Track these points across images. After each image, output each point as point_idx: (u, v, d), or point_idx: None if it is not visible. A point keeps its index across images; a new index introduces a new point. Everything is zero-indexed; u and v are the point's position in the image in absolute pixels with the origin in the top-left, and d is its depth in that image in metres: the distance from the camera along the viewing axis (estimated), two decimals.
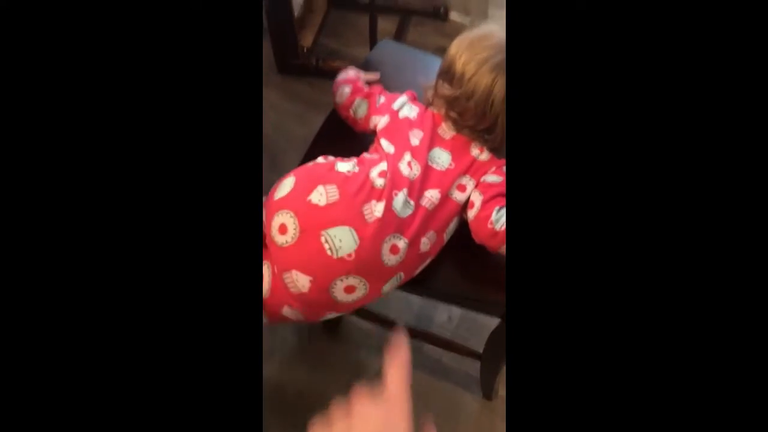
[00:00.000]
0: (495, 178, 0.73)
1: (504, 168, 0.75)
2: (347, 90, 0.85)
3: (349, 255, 0.65)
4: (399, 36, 1.76)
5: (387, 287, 0.70)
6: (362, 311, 1.11)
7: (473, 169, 0.74)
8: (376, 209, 0.67)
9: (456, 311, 1.18)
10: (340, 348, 1.16)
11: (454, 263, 0.77)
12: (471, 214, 0.72)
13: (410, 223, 0.69)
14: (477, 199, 0.72)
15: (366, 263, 0.66)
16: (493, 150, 0.75)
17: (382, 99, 0.83)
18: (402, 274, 0.70)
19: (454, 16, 1.78)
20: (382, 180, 0.69)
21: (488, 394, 1.08)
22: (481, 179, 0.74)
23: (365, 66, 0.98)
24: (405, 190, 0.69)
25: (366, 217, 0.66)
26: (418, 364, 1.13)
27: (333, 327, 1.17)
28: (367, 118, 0.83)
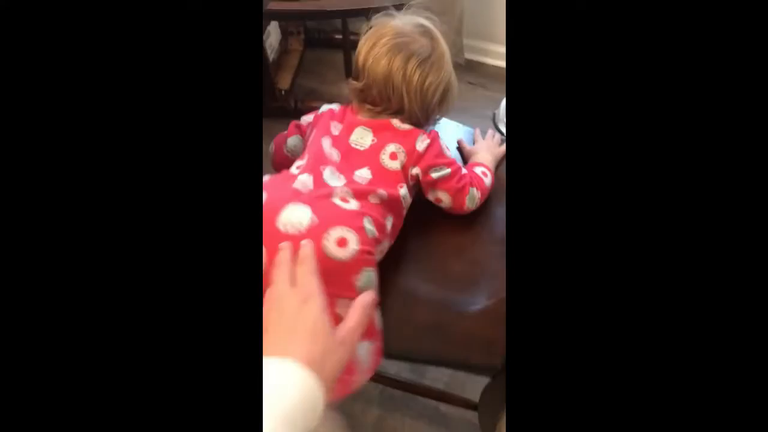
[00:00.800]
0: (445, 170, 0.75)
1: (439, 143, 0.76)
2: (271, 148, 0.88)
3: (312, 220, 0.65)
4: None
5: (368, 227, 0.68)
6: None
7: (399, 138, 0.75)
8: (307, 182, 0.69)
9: None
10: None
11: (434, 327, 0.72)
12: (444, 205, 0.78)
13: (348, 187, 0.70)
14: (444, 197, 0.77)
15: (331, 215, 0.66)
16: (411, 123, 0.77)
17: (310, 117, 0.83)
18: (371, 218, 0.68)
19: None
20: (302, 162, 0.73)
21: None
22: (430, 172, 0.75)
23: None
24: (331, 167, 0.72)
25: (300, 189, 0.69)
26: (416, 414, 1.07)
27: None
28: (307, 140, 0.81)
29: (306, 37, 1.82)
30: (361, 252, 0.65)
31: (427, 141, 0.75)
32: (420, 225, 0.79)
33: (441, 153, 0.76)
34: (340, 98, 0.97)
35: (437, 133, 0.78)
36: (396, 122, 0.76)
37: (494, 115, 1.60)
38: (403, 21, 0.77)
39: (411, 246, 0.77)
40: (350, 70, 1.64)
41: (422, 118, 0.77)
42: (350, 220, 0.66)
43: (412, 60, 0.74)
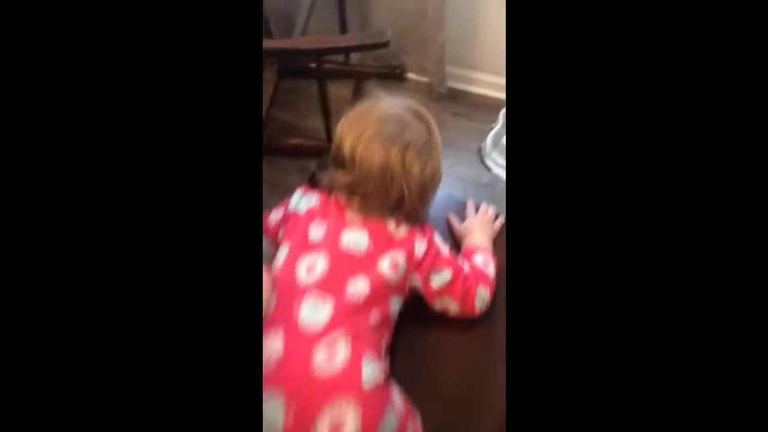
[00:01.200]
0: (446, 274, 0.68)
1: (436, 243, 0.69)
2: None
3: (287, 415, 0.54)
4: (355, 101, 1.66)
5: (367, 371, 0.57)
6: None
7: (396, 244, 0.66)
8: (276, 342, 0.57)
9: None
10: None
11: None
12: (453, 313, 0.70)
13: (337, 323, 0.59)
14: (451, 305, 0.69)
15: (314, 396, 0.55)
16: (408, 219, 0.68)
17: (279, 213, 0.74)
18: (369, 350, 0.59)
19: (412, 76, 1.70)
20: (270, 297, 0.62)
21: None
22: (430, 279, 0.67)
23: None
24: (311, 295, 0.61)
25: (269, 355, 0.57)
26: None
27: None
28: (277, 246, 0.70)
29: (279, 67, 1.73)
30: (367, 422, 0.54)
31: (425, 243, 0.67)
32: (408, 323, 0.69)
33: (439, 253, 0.68)
34: (316, 132, 0.88)
35: (432, 229, 0.70)
36: (392, 227, 0.67)
37: (480, 149, 1.52)
38: (391, 103, 0.70)
39: (397, 349, 0.66)
40: (325, 102, 1.55)
41: (420, 210, 0.70)
42: (343, 382, 0.55)
43: (410, 149, 0.66)
